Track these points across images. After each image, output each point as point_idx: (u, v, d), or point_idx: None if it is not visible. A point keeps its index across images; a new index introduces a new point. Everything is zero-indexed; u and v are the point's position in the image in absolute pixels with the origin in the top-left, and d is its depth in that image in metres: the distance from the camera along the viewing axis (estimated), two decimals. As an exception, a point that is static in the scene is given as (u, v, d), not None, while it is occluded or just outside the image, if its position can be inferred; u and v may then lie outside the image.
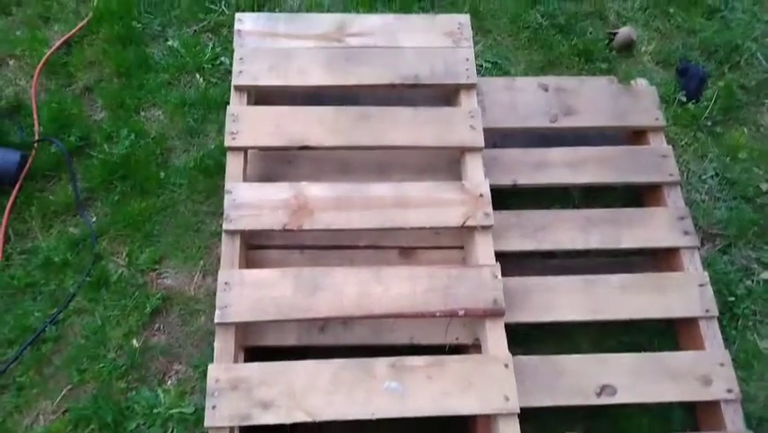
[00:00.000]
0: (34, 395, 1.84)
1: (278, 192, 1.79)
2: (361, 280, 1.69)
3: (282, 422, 1.52)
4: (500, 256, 1.83)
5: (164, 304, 2.00)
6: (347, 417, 1.53)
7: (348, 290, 1.68)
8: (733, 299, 2.14)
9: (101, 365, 1.88)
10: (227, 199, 1.76)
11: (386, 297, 1.68)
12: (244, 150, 1.89)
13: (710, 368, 1.85)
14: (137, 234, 2.10)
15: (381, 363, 1.60)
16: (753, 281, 2.19)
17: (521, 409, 1.64)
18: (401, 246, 1.93)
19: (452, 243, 1.94)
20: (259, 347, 1.75)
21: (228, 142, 1.86)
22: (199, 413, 1.80)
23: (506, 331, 1.72)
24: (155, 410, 1.83)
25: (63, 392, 1.85)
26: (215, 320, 1.62)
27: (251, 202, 1.77)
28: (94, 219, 2.12)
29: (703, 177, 2.38)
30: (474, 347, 1.79)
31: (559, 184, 2.12)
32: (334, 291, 1.67)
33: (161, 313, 1.99)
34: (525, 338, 1.96)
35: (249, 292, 1.65)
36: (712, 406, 1.84)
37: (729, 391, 1.82)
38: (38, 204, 2.12)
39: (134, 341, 1.93)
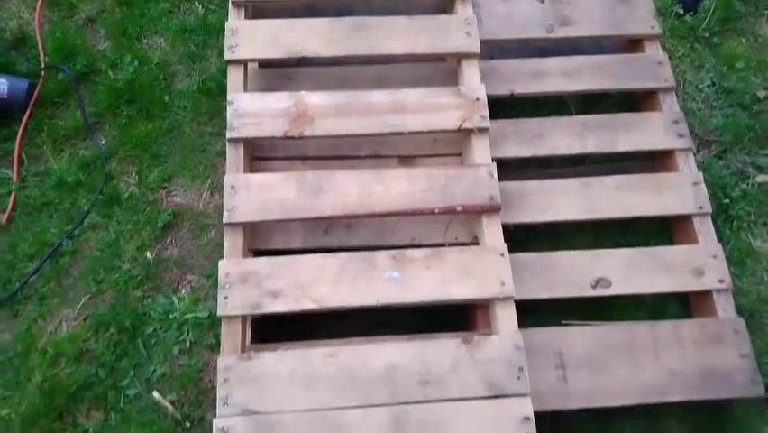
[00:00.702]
0: (56, 304, 1.94)
1: (279, 101, 1.84)
2: (363, 182, 1.76)
3: (291, 310, 1.60)
4: (498, 164, 1.88)
5: (175, 219, 2.08)
6: (352, 304, 1.61)
7: (350, 190, 1.74)
8: (728, 201, 2.19)
9: (117, 276, 1.97)
10: (230, 109, 1.82)
11: (386, 196, 1.74)
12: (244, 62, 1.93)
13: (703, 260, 1.91)
14: (145, 154, 2.17)
15: (383, 256, 1.67)
16: (748, 184, 2.23)
17: (518, 302, 1.72)
18: (401, 155, 1.98)
19: (450, 150, 2.00)
20: (266, 251, 1.83)
21: (228, 56, 1.91)
22: (213, 317, 1.90)
23: (504, 234, 1.77)
24: (171, 316, 1.92)
25: (82, 301, 1.95)
26: (224, 221, 1.69)
27: (252, 111, 1.82)
28: (103, 142, 2.20)
29: (700, 86, 2.41)
30: (473, 245, 1.86)
31: (555, 92, 2.16)
32: (337, 192, 1.74)
33: (173, 228, 2.07)
34: (523, 240, 2.02)
35: (254, 195, 1.72)
36: (705, 296, 1.91)
37: (721, 281, 1.89)
38: (48, 129, 2.19)
39: (148, 253, 2.01)
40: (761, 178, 2.26)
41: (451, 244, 1.84)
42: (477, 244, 1.82)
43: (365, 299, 1.62)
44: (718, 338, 1.82)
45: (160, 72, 2.32)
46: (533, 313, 1.88)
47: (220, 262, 1.65)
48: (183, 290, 1.98)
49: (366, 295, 1.62)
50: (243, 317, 1.62)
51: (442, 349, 1.57)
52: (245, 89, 1.92)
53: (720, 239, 2.02)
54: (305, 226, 1.84)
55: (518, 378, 1.56)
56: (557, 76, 2.15)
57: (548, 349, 1.76)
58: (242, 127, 1.81)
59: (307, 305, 1.60)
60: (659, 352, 1.79)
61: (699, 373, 1.77)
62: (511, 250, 1.76)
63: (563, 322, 1.86)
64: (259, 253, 1.83)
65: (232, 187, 1.72)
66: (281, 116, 1.83)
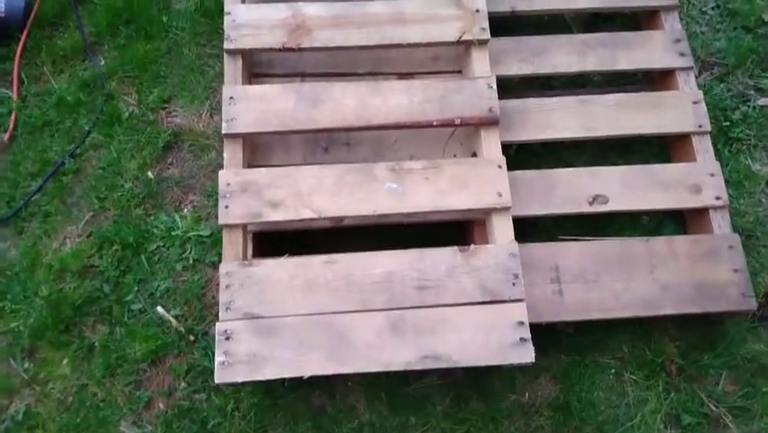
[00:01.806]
0: (60, 221, 1.97)
1: (276, 12, 1.82)
2: (360, 94, 1.75)
3: (291, 219, 1.62)
4: (499, 82, 1.86)
5: (175, 140, 2.09)
6: (350, 213, 1.63)
7: (347, 102, 1.74)
8: (728, 123, 2.18)
9: (119, 194, 2.00)
10: (227, 20, 1.81)
11: (384, 108, 1.74)
12: (241, -25, 1.91)
13: (700, 178, 1.92)
14: (144, 75, 2.16)
15: (381, 167, 1.68)
16: (749, 107, 2.22)
17: (516, 218, 1.74)
18: (400, 72, 1.97)
19: (450, 67, 1.98)
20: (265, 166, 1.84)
21: (225, -31, 1.88)
22: (215, 236, 1.93)
23: (505, 155, 1.77)
24: (173, 233, 1.95)
25: (86, 218, 1.98)
26: (223, 131, 1.70)
27: (249, 22, 1.81)
28: (102, 62, 2.19)
29: (704, 9, 2.37)
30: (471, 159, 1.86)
31: (557, 10, 2.12)
32: (335, 104, 1.73)
33: (173, 148, 2.08)
34: (522, 160, 2.03)
35: (253, 105, 1.72)
36: (701, 213, 1.92)
37: (718, 198, 1.90)
38: (47, 49, 2.18)
39: (149, 173, 2.03)
40: (762, 101, 2.24)
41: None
42: (475, 160, 1.83)
43: (363, 208, 1.64)
44: (713, 253, 1.84)
45: (157, -8, 2.29)
46: (531, 229, 1.91)
47: (220, 172, 1.66)
48: (185, 209, 2.00)
49: (364, 205, 1.64)
50: (244, 226, 1.64)
51: (438, 257, 1.60)
52: (243, 1, 1.90)
53: (719, 160, 2.02)
54: (305, 144, 1.85)
55: (513, 284, 1.59)
56: (559, -6, 2.12)
57: (544, 263, 1.79)
58: (240, 38, 1.79)
59: (306, 214, 1.62)
60: (653, 266, 1.81)
61: (692, 286, 1.79)
62: (510, 167, 1.77)
63: (559, 237, 1.89)
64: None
65: (230, 98, 1.72)
66: (279, 27, 1.81)
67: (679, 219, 2.02)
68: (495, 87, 1.79)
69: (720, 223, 1.89)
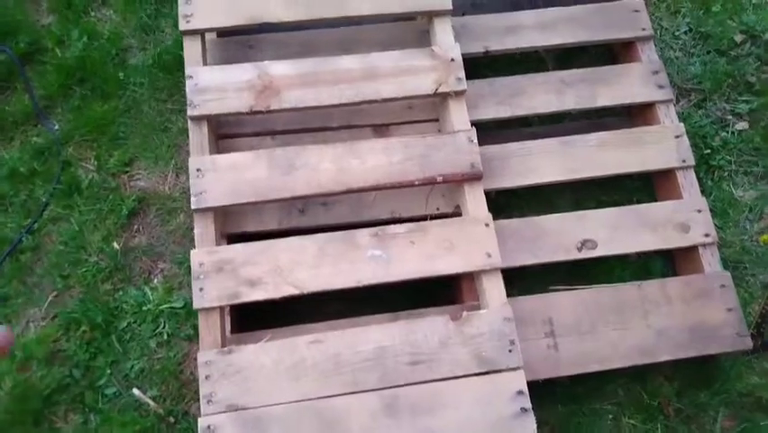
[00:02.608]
0: (21, 304, 1.84)
1: (242, 73, 1.72)
2: (336, 156, 1.67)
3: (271, 297, 1.53)
4: (477, 126, 1.80)
5: (140, 205, 1.97)
6: (334, 286, 1.54)
7: (324, 166, 1.65)
8: (709, 151, 2.15)
9: (84, 269, 1.87)
10: (189, 85, 1.70)
11: (362, 170, 1.65)
12: (201, 33, 1.80)
13: (688, 215, 1.88)
14: (103, 137, 2.04)
15: (364, 234, 1.60)
16: (728, 132, 2.20)
17: (505, 270, 1.68)
18: (375, 124, 1.89)
19: (426, 116, 1.91)
20: (240, 234, 1.74)
21: (183, 26, 1.77)
22: (189, 307, 1.82)
23: (486, 199, 1.71)
24: (144, 308, 1.84)
25: (49, 299, 1.85)
26: (192, 207, 1.59)
27: (214, 85, 1.70)
28: (56, 126, 2.06)
29: (677, 33, 2.34)
30: (455, 215, 1.79)
31: (531, 48, 2.07)
32: (310, 169, 1.64)
33: (139, 214, 1.97)
34: (506, 205, 1.97)
35: (223, 176, 1.62)
36: (690, 252, 1.88)
37: (707, 235, 1.87)
38: (-6, 116, 2.04)
39: (115, 243, 1.91)
40: (740, 125, 2.22)
41: (432, 216, 1.77)
42: (459, 213, 1.76)
43: (347, 280, 1.55)
44: (705, 294, 1.80)
45: (112, 47, 2.16)
46: (519, 280, 1.84)
47: (192, 252, 1.56)
48: (155, 280, 1.89)
49: (348, 276, 1.55)
50: (221, 308, 1.54)
51: (430, 327, 1.52)
52: (204, 62, 1.79)
53: (703, 191, 1.99)
54: (280, 207, 1.75)
55: (510, 351, 1.52)
56: (532, 30, 2.06)
57: (537, 317, 1.73)
58: (204, 104, 1.69)
59: (288, 291, 1.53)
60: (647, 312, 1.77)
61: (686, 330, 1.76)
62: (494, 215, 1.71)
63: (551, 288, 1.83)
64: (232, 237, 1.74)
65: (198, 170, 1.62)
66: (245, 90, 1.71)
67: (667, 255, 1.98)
68: (475, 140, 1.71)
69: (710, 260, 1.86)
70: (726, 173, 2.15)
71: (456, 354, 1.50)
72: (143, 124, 2.06)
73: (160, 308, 1.84)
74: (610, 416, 1.83)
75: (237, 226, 1.75)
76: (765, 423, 1.85)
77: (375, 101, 1.74)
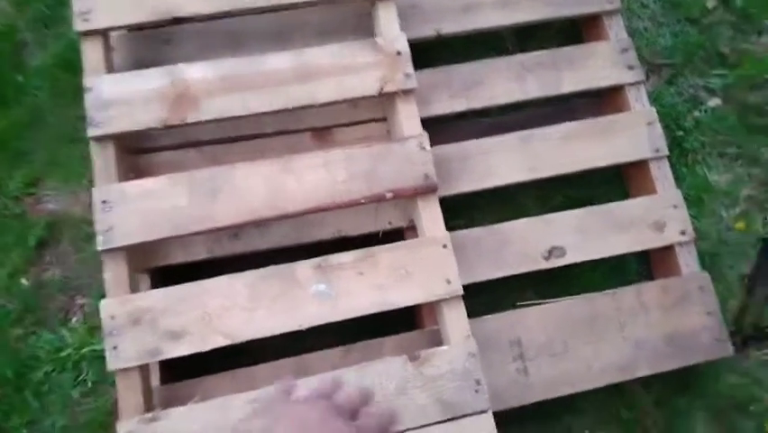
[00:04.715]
0: None
1: (151, 80, 1.46)
2: (269, 175, 1.44)
3: (198, 350, 1.32)
4: (430, 122, 1.60)
5: (51, 232, 1.72)
6: (272, 332, 1.34)
7: (254, 188, 1.42)
8: (681, 133, 1.99)
9: (-12, 314, 1.63)
10: (88, 99, 1.43)
11: (300, 190, 1.43)
12: (103, 33, 1.52)
13: (663, 212, 1.72)
14: (2, 155, 1.75)
15: (304, 267, 1.39)
16: (700, 111, 2.03)
17: (467, 285, 1.51)
18: (314, 128, 1.66)
19: (373, 114, 1.68)
20: (164, 268, 1.52)
21: (79, 26, 1.49)
22: (116, 346, 1.60)
23: (446, 203, 1.52)
24: (63, 353, 1.61)
25: (-51, 352, 1.61)
26: (98, 247, 1.35)
27: (118, 98, 1.44)
28: (-58, 145, 1.76)
29: (645, 1, 2.13)
30: (410, 229, 1.60)
31: (489, 28, 1.83)
32: (238, 192, 1.41)
33: (50, 243, 1.72)
34: (467, 208, 1.78)
35: (134, 208, 1.37)
36: (666, 251, 1.73)
37: (683, 233, 1.71)
38: None
39: (23, 280, 1.67)
40: (712, 102, 2.05)
41: (385, 232, 1.57)
42: (413, 227, 1.56)
43: (287, 323, 1.35)
44: (683, 298, 1.66)
45: (7, 43, 1.85)
46: (484, 295, 1.67)
47: (102, 303, 1.33)
48: (74, 319, 1.66)
49: (288, 319, 1.35)
50: (142, 367, 1.33)
51: (385, 371, 1.34)
52: (109, 68, 1.51)
53: (677, 178, 1.82)
54: (208, 234, 1.52)
55: (476, 391, 1.35)
56: (490, 8, 1.82)
57: (503, 339, 1.57)
58: (109, 121, 1.43)
59: (217, 342, 1.32)
60: (623, 324, 1.62)
61: (665, 340, 1.62)
62: (454, 222, 1.52)
63: (518, 304, 1.66)
64: (155, 272, 1.52)
65: (104, 202, 1.37)
66: (157, 100, 1.45)
67: (641, 255, 1.83)
68: (428, 146, 1.50)
69: (687, 260, 1.72)
70: (699, 156, 2.00)
71: (416, 399, 1.33)
72: (48, 135, 1.79)
73: (81, 351, 1.61)
74: (586, 431, 1.70)
75: (160, 259, 1.52)
76: (744, 423, 1.76)
77: (311, 106, 1.50)
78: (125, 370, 1.30)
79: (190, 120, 1.45)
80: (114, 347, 1.29)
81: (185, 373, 1.47)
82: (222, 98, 1.46)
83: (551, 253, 1.66)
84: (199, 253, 1.53)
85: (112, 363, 1.29)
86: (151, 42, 1.67)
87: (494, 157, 1.70)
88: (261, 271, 1.38)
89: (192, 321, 1.33)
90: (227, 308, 1.34)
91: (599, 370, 1.58)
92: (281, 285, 1.37)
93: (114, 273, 1.35)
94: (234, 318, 1.33)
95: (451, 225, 1.51)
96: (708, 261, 1.84)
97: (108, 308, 1.32)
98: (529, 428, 1.67)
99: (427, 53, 1.77)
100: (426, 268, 1.42)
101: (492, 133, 1.74)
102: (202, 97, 1.46)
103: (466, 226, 1.66)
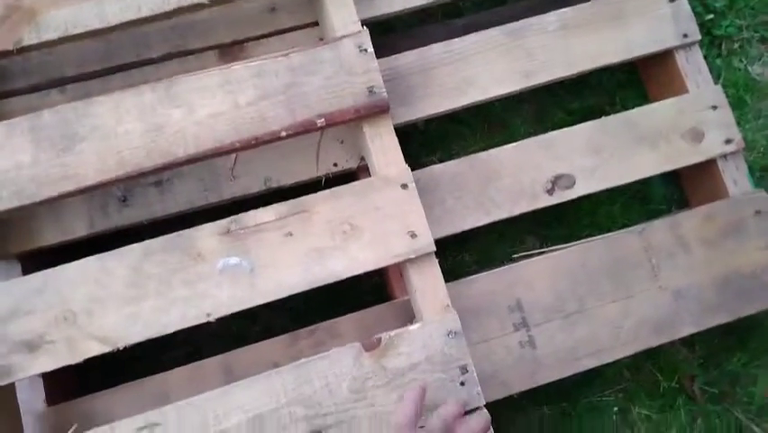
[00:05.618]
0: None
1: (-36, -9, 1.02)
2: (146, 107, 1.01)
3: (66, 364, 0.93)
4: (379, 27, 1.17)
5: None
6: (165, 330, 0.94)
7: (126, 127, 1.00)
8: (711, 16, 1.54)
9: None
10: None
11: (192, 126, 1.01)
12: None
13: (699, 116, 1.29)
14: None
15: (207, 234, 0.98)
16: (735, -14, 1.58)
17: (443, 238, 1.12)
18: (221, 44, 1.22)
19: (298, 20, 1.23)
20: (35, 252, 1.11)
21: None
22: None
23: (415, 133, 1.11)
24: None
25: None
26: None
27: None
28: None
29: None
30: (364, 170, 1.18)
31: None
32: (104, 136, 0.99)
33: None
34: (442, 136, 1.36)
35: (-43, 173, 0.96)
36: (707, 168, 1.31)
37: (728, 141, 1.28)
38: None
39: None
40: (750, -28, 1.60)
41: (330, 179, 1.16)
42: (366, 166, 1.15)
43: (187, 316, 0.95)
44: (735, 229, 1.24)
45: None
46: (469, 249, 1.27)
47: None
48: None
49: (188, 309, 0.95)
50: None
51: (334, 369, 0.94)
52: None
53: (712, 76, 1.39)
54: (88, 200, 1.11)
55: (462, 383, 0.96)
56: None
57: (500, 302, 1.16)
58: None
59: (90, 349, 0.92)
60: (657, 268, 1.21)
61: (714, 285, 1.21)
62: (424, 157, 1.11)
63: (515, 256, 1.25)
64: (25, 257, 1.12)
65: None
66: (-19, 19, 1.02)
67: (672, 175, 1.41)
68: (371, 48, 1.06)
69: (736, 177, 1.29)
70: (736, 45, 1.55)
71: (378, 403, 0.94)
72: None
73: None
74: (615, 409, 1.32)
75: (31, 242, 1.11)
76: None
77: (198, 5, 1.06)
78: (-41, 402, 0.91)
79: (28, 42, 1.02)
80: (-59, 372, 0.90)
81: (86, 384, 1.10)
82: (68, 8, 1.02)
83: (555, 183, 1.24)
84: (78, 230, 1.12)
85: (-62, 395, 0.90)
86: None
87: (471, 62, 1.26)
88: (146, 244, 0.97)
89: (51, 323, 0.93)
90: (100, 301, 0.94)
91: (630, 333, 1.18)
92: (176, 262, 0.96)
93: (-64, 267, 0.95)
94: (111, 315, 0.93)
95: (420, 162, 1.10)
96: (756, 176, 1.43)
97: (-72, 316, 0.92)
98: (544, 412, 1.30)
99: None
100: (381, 219, 1.00)
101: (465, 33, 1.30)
102: (40, 9, 1.02)
103: (441, 161, 1.24)
